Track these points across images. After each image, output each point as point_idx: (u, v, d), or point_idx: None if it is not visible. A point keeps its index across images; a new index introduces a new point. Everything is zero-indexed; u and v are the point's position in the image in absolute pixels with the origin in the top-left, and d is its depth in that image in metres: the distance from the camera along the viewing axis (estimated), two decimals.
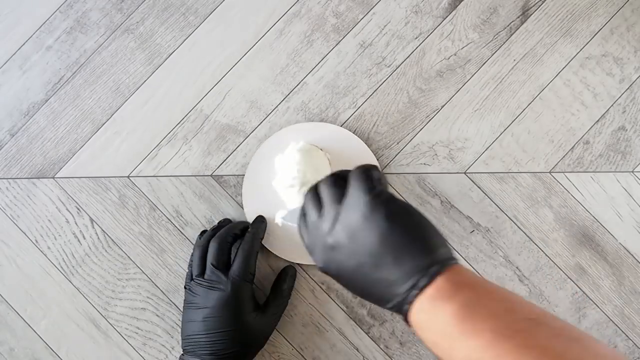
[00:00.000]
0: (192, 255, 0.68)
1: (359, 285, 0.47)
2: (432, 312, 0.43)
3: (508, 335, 0.40)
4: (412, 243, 0.45)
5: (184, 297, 0.66)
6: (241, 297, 0.63)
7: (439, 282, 0.44)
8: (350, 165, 0.69)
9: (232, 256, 0.65)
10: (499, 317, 0.42)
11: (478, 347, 0.41)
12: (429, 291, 0.44)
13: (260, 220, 0.68)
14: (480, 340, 0.41)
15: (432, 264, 0.44)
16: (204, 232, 0.70)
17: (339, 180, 0.50)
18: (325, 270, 0.49)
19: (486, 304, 0.43)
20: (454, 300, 0.43)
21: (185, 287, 0.66)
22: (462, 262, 0.71)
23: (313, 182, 0.66)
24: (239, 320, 0.62)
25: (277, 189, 0.68)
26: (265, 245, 0.70)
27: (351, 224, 0.46)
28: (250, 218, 0.70)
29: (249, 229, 0.67)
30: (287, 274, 0.69)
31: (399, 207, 0.47)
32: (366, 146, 0.71)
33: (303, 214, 0.52)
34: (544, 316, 0.43)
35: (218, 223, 0.69)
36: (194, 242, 0.71)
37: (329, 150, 0.70)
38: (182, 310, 0.68)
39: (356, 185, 0.47)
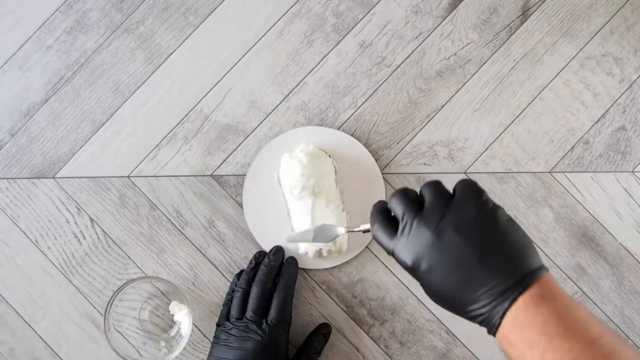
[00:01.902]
0: (228, 293, 0.68)
1: (448, 283, 0.46)
2: (532, 310, 0.44)
3: (606, 341, 0.42)
4: (521, 248, 0.46)
5: (215, 335, 0.65)
6: (277, 346, 0.63)
7: (537, 288, 0.44)
8: (355, 174, 0.70)
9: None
10: (592, 323, 0.43)
11: (574, 348, 0.42)
12: (531, 292, 0.44)
13: (291, 261, 0.68)
14: (577, 342, 0.42)
15: (535, 271, 0.45)
16: (241, 271, 0.69)
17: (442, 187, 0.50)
18: (414, 266, 0.47)
19: (578, 310, 0.44)
20: (556, 301, 0.44)
21: (218, 325, 0.66)
22: None
23: (315, 188, 0.67)
24: None
25: (280, 184, 0.69)
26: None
27: (462, 221, 0.46)
28: (249, 218, 0.70)
29: (282, 271, 0.67)
30: (321, 332, 0.68)
31: (507, 214, 0.47)
32: (373, 159, 0.71)
33: (385, 212, 0.50)
34: (615, 333, 0.44)
35: (254, 259, 0.69)
36: (194, 242, 0.71)
37: (336, 158, 0.70)
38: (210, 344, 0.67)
39: (465, 190, 0.48)
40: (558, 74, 0.73)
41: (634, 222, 0.71)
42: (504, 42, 0.73)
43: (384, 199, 0.70)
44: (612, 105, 0.73)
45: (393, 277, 0.71)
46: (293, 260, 0.69)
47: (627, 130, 0.72)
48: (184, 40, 0.73)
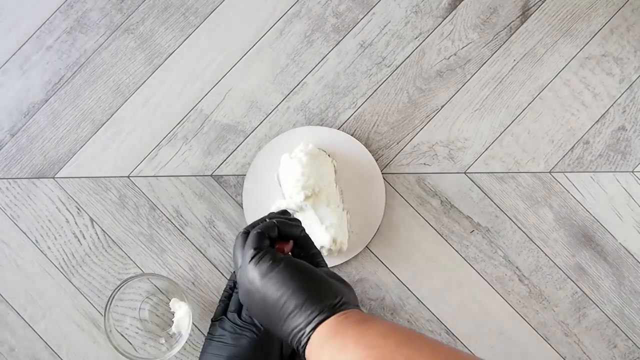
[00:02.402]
0: (225, 290, 0.67)
1: (266, 324, 0.53)
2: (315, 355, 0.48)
3: None
4: (290, 301, 0.50)
5: (209, 330, 0.65)
6: (271, 344, 0.62)
7: (319, 331, 0.48)
8: (354, 173, 0.70)
9: None
10: None
11: None
12: (312, 340, 0.48)
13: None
14: None
15: (314, 316, 0.49)
16: None
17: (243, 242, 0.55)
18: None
19: (347, 351, 0.46)
20: (324, 349, 0.47)
21: (213, 321, 0.65)
22: (461, 262, 0.71)
23: (315, 187, 0.67)
24: None
25: (280, 184, 0.69)
26: None
27: (241, 286, 0.53)
28: (249, 218, 0.70)
29: None
30: None
31: (273, 269, 0.52)
32: (373, 159, 0.71)
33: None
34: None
35: None
36: (194, 242, 0.71)
37: (336, 158, 0.70)
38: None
39: (238, 255, 0.54)
40: (558, 74, 0.73)
41: (634, 222, 0.71)
42: (504, 42, 0.73)
43: (383, 198, 0.70)
44: (612, 105, 0.73)
45: (393, 277, 0.71)
46: None
47: (627, 130, 0.72)
48: (184, 40, 0.73)
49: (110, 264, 0.71)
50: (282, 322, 0.50)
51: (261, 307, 0.52)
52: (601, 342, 0.70)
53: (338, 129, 0.73)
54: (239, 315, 0.63)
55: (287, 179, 0.68)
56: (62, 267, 0.71)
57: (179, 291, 0.68)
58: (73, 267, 0.71)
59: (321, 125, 0.73)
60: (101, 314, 0.70)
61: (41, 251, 0.71)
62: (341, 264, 0.70)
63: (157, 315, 0.70)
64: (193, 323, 0.68)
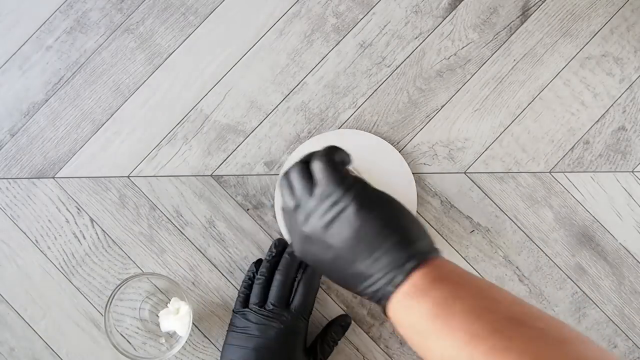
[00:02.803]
0: (244, 281, 0.66)
1: (337, 276, 0.47)
2: (406, 309, 0.42)
3: (483, 337, 0.39)
4: (388, 237, 0.44)
5: (231, 321, 0.65)
6: (297, 334, 0.62)
7: (415, 278, 0.42)
8: (379, 173, 0.70)
9: (294, 290, 0.65)
10: (475, 316, 0.40)
11: (452, 346, 0.39)
12: (405, 288, 0.42)
13: None
14: (454, 341, 0.39)
15: (408, 259, 0.43)
16: (259, 261, 0.68)
17: (307, 169, 0.48)
18: (303, 259, 0.48)
19: (463, 300, 0.41)
20: (428, 296, 0.41)
21: (235, 312, 0.65)
22: (462, 262, 0.71)
23: None
24: (288, 358, 0.61)
25: None
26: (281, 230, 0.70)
27: (324, 217, 0.45)
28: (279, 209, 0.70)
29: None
30: (339, 324, 0.68)
31: (372, 198, 0.45)
32: (395, 150, 0.71)
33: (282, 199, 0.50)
34: (527, 315, 0.41)
35: (274, 247, 0.67)
36: (194, 242, 0.71)
37: (355, 157, 0.70)
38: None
39: (324, 177, 0.46)
40: (558, 74, 0.73)
41: (634, 222, 0.71)
42: (504, 42, 0.73)
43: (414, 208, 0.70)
44: (612, 105, 0.73)
45: None
46: None
47: (627, 130, 0.72)
48: (184, 40, 0.74)
49: (110, 264, 0.71)
50: (372, 260, 0.43)
51: (347, 244, 0.44)
52: (601, 342, 0.70)
53: (338, 129, 0.73)
54: (263, 306, 0.63)
55: None
56: (62, 267, 0.71)
57: (179, 291, 0.68)
58: (73, 267, 0.71)
59: (321, 125, 0.73)
60: (101, 314, 0.70)
61: (41, 251, 0.71)
62: None
63: (157, 315, 0.70)
64: (193, 323, 0.68)
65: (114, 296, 0.66)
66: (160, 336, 0.70)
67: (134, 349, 0.69)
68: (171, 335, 0.69)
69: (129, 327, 0.70)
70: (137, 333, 0.70)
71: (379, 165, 0.70)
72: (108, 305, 0.66)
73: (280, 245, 0.67)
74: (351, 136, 0.71)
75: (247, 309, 0.64)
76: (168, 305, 0.68)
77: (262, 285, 0.65)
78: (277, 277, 0.64)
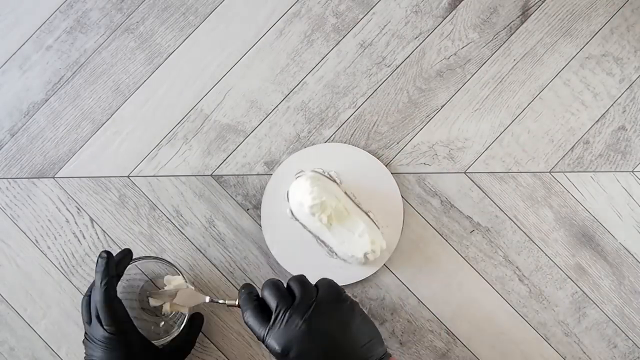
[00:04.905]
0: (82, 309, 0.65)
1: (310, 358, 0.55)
2: None
3: None
4: (370, 339, 0.56)
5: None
6: (124, 344, 0.60)
7: None
8: (360, 175, 0.70)
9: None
10: None
11: None
12: None
13: (102, 264, 0.61)
14: None
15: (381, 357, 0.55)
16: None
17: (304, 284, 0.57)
18: (283, 352, 0.54)
19: None
20: None
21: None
22: (461, 262, 0.71)
23: (330, 204, 0.66)
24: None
25: (297, 218, 0.69)
26: (276, 258, 0.70)
27: (326, 316, 0.55)
28: (272, 247, 0.70)
29: (100, 279, 0.61)
30: (193, 323, 0.68)
31: (360, 309, 0.57)
32: (373, 157, 0.71)
33: (257, 300, 0.57)
34: None
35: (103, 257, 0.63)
36: (194, 242, 0.71)
37: (336, 169, 0.70)
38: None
39: (326, 288, 0.57)
40: (558, 73, 0.73)
41: (634, 222, 0.71)
42: (504, 42, 0.73)
43: (398, 191, 0.70)
44: (612, 105, 0.73)
45: (393, 277, 0.71)
46: (106, 253, 0.62)
47: (627, 130, 0.72)
48: (184, 40, 0.74)
49: None
50: (355, 350, 0.55)
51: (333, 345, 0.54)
52: (601, 342, 0.70)
53: (338, 129, 0.73)
54: (89, 325, 0.61)
55: (300, 209, 0.68)
56: (62, 267, 0.71)
57: (175, 271, 0.67)
58: (73, 267, 0.71)
59: (321, 124, 0.73)
60: None
61: (41, 251, 0.71)
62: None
63: (157, 315, 0.70)
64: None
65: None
66: (159, 317, 0.69)
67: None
68: (170, 318, 0.69)
69: (128, 311, 0.69)
70: (135, 317, 0.69)
71: (366, 179, 0.71)
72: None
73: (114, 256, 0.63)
74: (338, 150, 0.72)
75: (85, 334, 0.62)
76: (165, 285, 0.67)
77: (84, 306, 0.63)
78: (84, 299, 0.63)
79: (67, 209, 0.72)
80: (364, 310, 0.56)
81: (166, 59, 0.73)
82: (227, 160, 0.72)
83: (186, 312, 0.66)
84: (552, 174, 0.72)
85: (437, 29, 0.73)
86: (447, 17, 0.74)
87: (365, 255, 0.67)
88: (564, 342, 0.70)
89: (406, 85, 0.73)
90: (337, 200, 0.68)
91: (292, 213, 0.69)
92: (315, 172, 0.70)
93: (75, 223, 0.71)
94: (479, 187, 0.72)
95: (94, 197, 0.72)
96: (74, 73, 0.73)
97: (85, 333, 0.62)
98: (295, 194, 0.68)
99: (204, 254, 0.71)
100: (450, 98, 0.73)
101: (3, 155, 0.72)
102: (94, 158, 0.72)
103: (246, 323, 0.57)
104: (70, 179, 0.72)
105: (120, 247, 0.71)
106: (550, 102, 0.73)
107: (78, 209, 0.72)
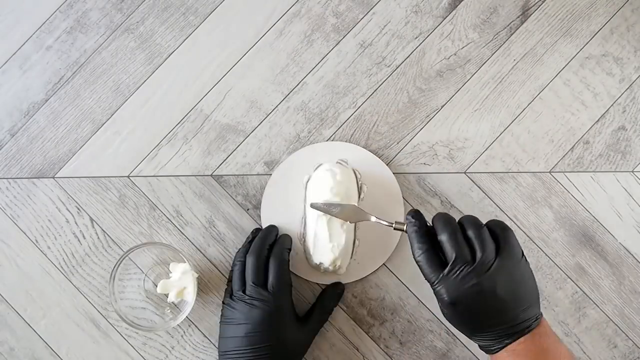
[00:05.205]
0: (231, 271, 0.68)
1: (473, 321, 0.56)
2: (526, 346, 0.56)
3: None
4: (533, 299, 0.57)
5: (221, 313, 0.65)
6: (282, 311, 0.63)
7: (534, 331, 0.56)
8: (377, 199, 0.69)
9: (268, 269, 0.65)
10: None
11: None
12: (530, 333, 0.56)
13: (283, 233, 0.68)
14: None
15: (535, 318, 0.56)
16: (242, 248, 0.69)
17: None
18: (451, 303, 0.55)
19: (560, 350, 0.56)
20: (546, 342, 0.56)
21: (223, 303, 0.65)
22: None
23: (346, 199, 0.66)
24: (280, 335, 0.62)
25: (305, 188, 0.69)
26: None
27: (503, 281, 0.55)
28: (264, 210, 0.70)
29: (277, 240, 0.67)
30: (334, 291, 0.69)
31: (529, 269, 0.58)
32: (397, 184, 0.71)
33: (430, 240, 0.57)
34: None
35: (251, 234, 0.70)
36: (194, 242, 0.71)
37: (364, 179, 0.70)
38: (219, 324, 0.66)
39: (510, 246, 0.56)
40: (558, 73, 0.73)
41: (634, 222, 0.71)
42: (504, 42, 0.73)
43: (399, 190, 0.70)
44: (612, 105, 0.73)
45: (393, 277, 0.71)
46: (285, 234, 0.69)
47: (627, 130, 0.72)
48: (184, 40, 0.74)
49: (110, 264, 0.71)
50: (516, 313, 0.55)
51: (510, 289, 0.55)
52: (601, 342, 0.70)
53: (338, 128, 0.73)
54: (244, 291, 0.63)
55: (315, 188, 0.68)
56: (62, 267, 0.71)
57: (180, 257, 0.67)
58: (73, 267, 0.71)
59: (321, 125, 0.73)
60: (101, 314, 0.70)
61: (41, 251, 0.71)
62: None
63: (157, 315, 0.70)
64: (193, 322, 0.68)
65: (118, 266, 0.65)
66: (165, 303, 0.69)
67: (138, 319, 0.69)
68: (176, 305, 0.69)
69: (134, 297, 0.69)
70: (141, 303, 0.69)
71: (367, 178, 0.70)
72: (113, 274, 0.65)
73: (257, 232, 0.69)
74: (339, 149, 0.71)
75: (231, 298, 0.64)
76: (170, 274, 0.68)
77: (239, 270, 0.65)
78: (249, 260, 0.64)
79: (67, 209, 0.72)
80: (530, 272, 0.57)
81: (166, 59, 0.73)
82: (227, 160, 0.72)
83: (191, 300, 0.66)
84: (552, 174, 0.72)
85: (437, 29, 0.73)
86: (447, 17, 0.74)
87: (321, 263, 0.67)
88: (564, 342, 0.70)
89: (406, 85, 0.73)
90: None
91: (306, 183, 0.69)
92: (356, 170, 0.69)
93: (75, 223, 0.71)
94: (479, 187, 0.72)
95: (94, 197, 0.72)
96: (74, 73, 0.73)
97: (232, 296, 0.64)
98: (323, 173, 0.67)
99: (204, 254, 0.71)
100: (450, 98, 0.73)
101: (3, 155, 0.72)
102: (94, 158, 0.72)
103: (416, 260, 0.57)
104: (70, 179, 0.72)
105: (120, 247, 0.71)
106: (550, 102, 0.73)
107: (78, 209, 0.72)
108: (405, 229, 0.59)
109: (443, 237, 0.55)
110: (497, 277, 0.54)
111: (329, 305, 0.69)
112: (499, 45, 0.73)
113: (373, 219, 0.64)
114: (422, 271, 0.56)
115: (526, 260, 0.57)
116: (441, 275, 0.55)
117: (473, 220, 0.56)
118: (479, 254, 0.54)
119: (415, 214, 0.58)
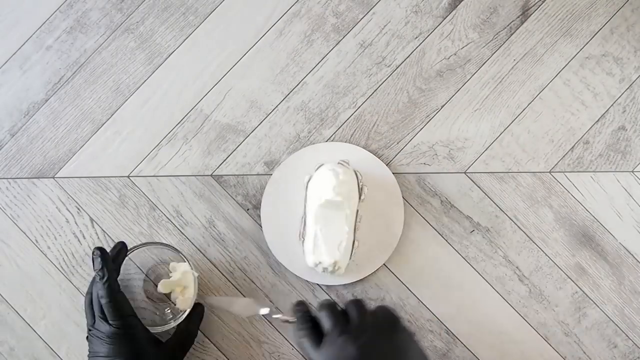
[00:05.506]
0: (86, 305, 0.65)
1: None
2: None
3: None
4: None
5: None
6: (130, 338, 0.61)
7: None
8: (377, 203, 0.69)
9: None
10: None
11: None
12: None
13: (99, 261, 0.61)
14: None
15: None
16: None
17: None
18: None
19: None
20: None
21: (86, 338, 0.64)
22: (462, 262, 0.71)
23: (348, 198, 0.66)
24: (138, 355, 0.61)
25: (306, 188, 0.69)
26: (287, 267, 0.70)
27: (381, 344, 0.54)
28: (264, 212, 0.70)
29: (101, 276, 0.61)
30: (193, 313, 0.67)
31: (414, 341, 0.56)
32: (399, 188, 0.71)
33: (312, 320, 0.57)
34: None
35: (94, 255, 0.63)
36: (194, 242, 0.71)
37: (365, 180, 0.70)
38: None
39: (386, 315, 0.56)
40: (558, 73, 0.73)
41: (634, 222, 0.71)
42: (504, 42, 0.73)
43: (399, 190, 0.70)
44: (612, 105, 0.73)
45: (393, 277, 0.71)
46: (119, 246, 0.65)
47: (627, 130, 0.72)
48: (184, 40, 0.74)
49: None
50: None
51: None
52: (601, 342, 0.70)
53: (338, 128, 0.73)
54: (93, 325, 0.62)
55: (317, 187, 0.68)
56: (62, 267, 0.71)
57: (180, 257, 0.67)
58: (73, 267, 0.71)
59: (321, 125, 0.73)
60: None
61: (41, 251, 0.71)
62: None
63: (157, 315, 0.70)
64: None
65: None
66: (165, 303, 0.69)
67: (140, 318, 0.68)
68: (176, 304, 0.69)
69: (134, 297, 0.69)
70: (141, 303, 0.69)
71: (367, 179, 0.70)
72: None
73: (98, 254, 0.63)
74: (339, 149, 0.72)
75: (89, 331, 0.63)
76: (170, 273, 0.67)
77: (87, 304, 0.63)
78: (87, 298, 0.63)
79: (67, 209, 0.72)
80: (418, 342, 0.55)
81: (166, 59, 0.73)
82: (227, 160, 0.72)
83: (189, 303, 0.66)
84: (552, 174, 0.72)
85: (437, 29, 0.73)
86: (447, 17, 0.74)
87: (320, 263, 0.67)
88: (564, 342, 0.70)
89: (406, 85, 0.73)
90: (347, 208, 0.67)
91: (307, 182, 0.69)
92: (358, 172, 0.69)
93: (75, 223, 0.71)
94: (479, 187, 0.72)
95: (94, 197, 0.72)
96: (74, 73, 0.73)
97: (89, 330, 0.62)
98: (325, 173, 0.67)
99: (204, 254, 0.71)
100: (450, 98, 0.73)
101: (3, 155, 0.72)
102: (94, 158, 0.72)
103: (299, 342, 0.56)
104: (70, 179, 0.72)
105: None
106: (550, 102, 0.73)
107: (78, 209, 0.72)
108: (292, 319, 0.59)
109: (321, 313, 0.56)
110: (376, 341, 0.54)
111: (185, 327, 0.67)
112: (499, 45, 0.73)
113: (262, 312, 0.65)
114: (304, 351, 0.56)
115: (411, 334, 0.56)
116: (320, 348, 0.54)
117: (353, 300, 0.57)
118: (354, 319, 0.55)
119: (301, 304, 0.59)
